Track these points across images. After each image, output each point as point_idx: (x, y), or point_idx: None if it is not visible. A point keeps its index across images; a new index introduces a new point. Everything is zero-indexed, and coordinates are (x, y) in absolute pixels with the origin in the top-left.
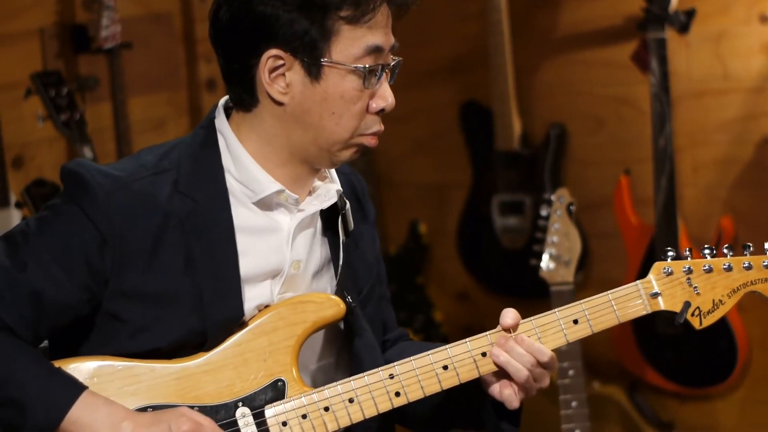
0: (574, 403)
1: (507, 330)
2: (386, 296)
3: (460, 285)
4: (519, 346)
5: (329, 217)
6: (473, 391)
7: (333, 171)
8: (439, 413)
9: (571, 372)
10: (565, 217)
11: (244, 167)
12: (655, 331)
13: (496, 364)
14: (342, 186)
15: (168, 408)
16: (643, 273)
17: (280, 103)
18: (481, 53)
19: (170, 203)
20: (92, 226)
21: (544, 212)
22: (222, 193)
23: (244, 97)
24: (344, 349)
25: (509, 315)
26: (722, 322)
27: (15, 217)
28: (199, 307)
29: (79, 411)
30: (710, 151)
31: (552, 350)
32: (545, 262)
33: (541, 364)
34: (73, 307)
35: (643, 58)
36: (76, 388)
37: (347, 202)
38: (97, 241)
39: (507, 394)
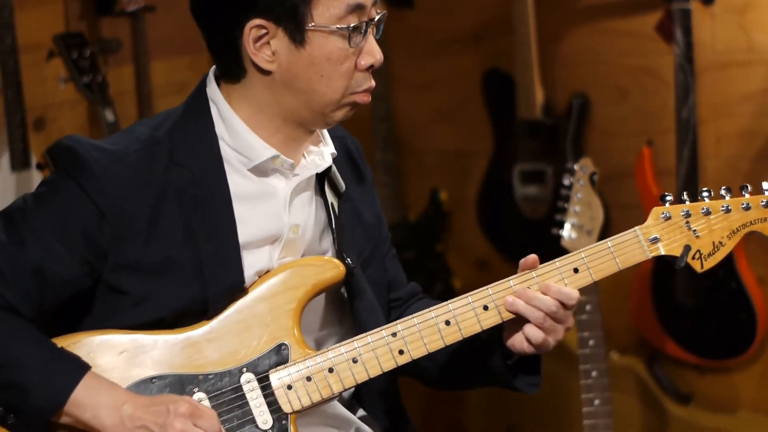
0: (594, 373)
1: (527, 268)
2: (391, 253)
3: (480, 253)
4: (533, 291)
5: (323, 179)
6: (491, 348)
7: (327, 134)
8: (457, 371)
9: (591, 342)
10: (588, 186)
11: (238, 134)
12: (675, 303)
13: (511, 312)
14: (336, 150)
15: (173, 377)
16: None
17: (267, 72)
18: (505, 21)
19: (166, 174)
20: (89, 201)
21: (566, 182)
22: (217, 162)
23: (232, 68)
24: (346, 314)
25: (529, 257)
26: (742, 294)
27: (36, 179)
28: (199, 276)
29: (81, 393)
30: (733, 123)
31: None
32: (567, 232)
33: (563, 305)
34: (74, 282)
35: (667, 29)
36: (78, 370)
37: (332, 165)
38: (94, 215)
39: (528, 330)
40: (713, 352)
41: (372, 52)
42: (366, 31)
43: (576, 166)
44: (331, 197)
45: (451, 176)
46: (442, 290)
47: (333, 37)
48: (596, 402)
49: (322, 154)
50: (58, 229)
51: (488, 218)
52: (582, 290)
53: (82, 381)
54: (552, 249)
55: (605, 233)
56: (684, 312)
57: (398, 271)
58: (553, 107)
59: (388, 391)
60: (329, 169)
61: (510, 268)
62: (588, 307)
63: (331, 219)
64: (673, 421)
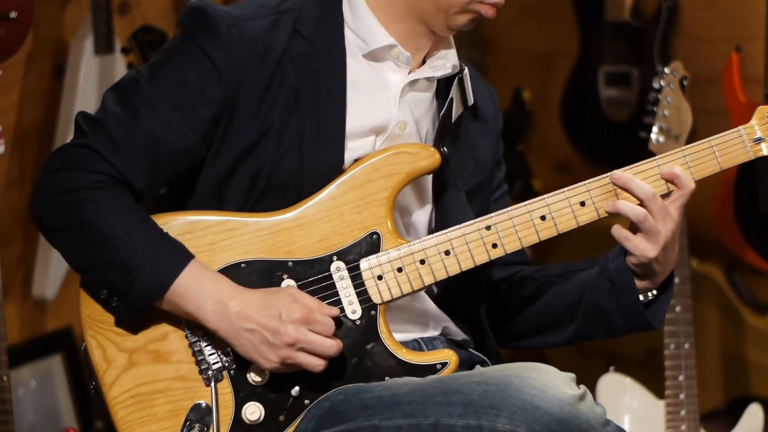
0: (676, 280)
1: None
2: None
3: (561, 154)
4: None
5: (447, 91)
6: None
7: (453, 48)
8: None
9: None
10: (678, 90)
11: (359, 16)
12: (757, 211)
13: (615, 185)
14: (470, 95)
15: (261, 263)
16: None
17: None
18: None
19: (288, 42)
20: (208, 60)
21: (656, 85)
22: (339, 42)
23: None
24: (436, 207)
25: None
26: None
27: (119, 62)
28: (298, 147)
29: (185, 280)
30: None
31: None
32: (655, 135)
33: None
34: (190, 151)
35: None
36: (184, 256)
37: (466, 68)
38: (212, 74)
39: (633, 245)
40: None
41: None
42: None
43: (666, 70)
44: (454, 96)
45: (536, 75)
46: (522, 190)
47: None
48: (677, 309)
49: (444, 61)
50: (173, 96)
51: (571, 119)
52: None
53: (187, 267)
54: (634, 152)
55: (692, 138)
56: (766, 221)
57: None
58: (642, 10)
59: (474, 296)
60: (455, 75)
61: (590, 170)
62: None
63: (448, 121)
64: (751, 331)
